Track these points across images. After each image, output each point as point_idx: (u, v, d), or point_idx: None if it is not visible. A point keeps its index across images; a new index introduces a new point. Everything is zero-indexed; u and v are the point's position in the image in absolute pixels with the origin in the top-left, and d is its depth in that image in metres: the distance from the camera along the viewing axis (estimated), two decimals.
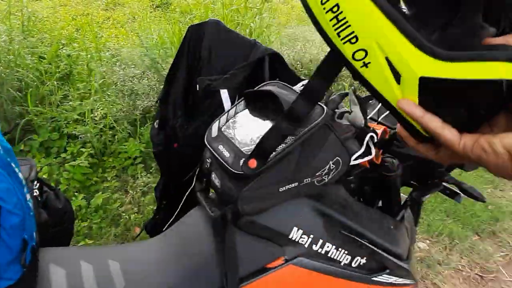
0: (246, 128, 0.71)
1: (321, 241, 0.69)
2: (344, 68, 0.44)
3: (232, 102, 0.92)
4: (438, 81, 0.34)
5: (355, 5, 0.36)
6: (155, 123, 1.05)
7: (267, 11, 3.65)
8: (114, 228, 1.78)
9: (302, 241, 0.68)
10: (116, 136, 2.18)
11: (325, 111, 0.65)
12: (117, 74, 2.39)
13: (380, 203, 0.91)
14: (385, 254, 0.75)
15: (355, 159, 0.71)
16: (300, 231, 0.67)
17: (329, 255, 0.70)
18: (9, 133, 2.00)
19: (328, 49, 0.41)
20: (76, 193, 1.86)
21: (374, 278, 0.75)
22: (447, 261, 1.87)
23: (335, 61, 0.43)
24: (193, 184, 0.88)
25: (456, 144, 0.36)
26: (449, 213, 2.19)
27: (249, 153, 0.64)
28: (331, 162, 0.67)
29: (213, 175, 0.70)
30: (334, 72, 0.46)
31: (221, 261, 0.65)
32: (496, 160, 0.34)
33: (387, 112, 0.94)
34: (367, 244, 0.72)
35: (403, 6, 0.36)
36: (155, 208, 1.24)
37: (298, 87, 0.84)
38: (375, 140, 0.74)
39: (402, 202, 0.87)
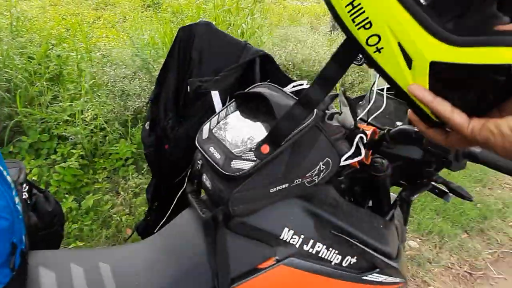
0: (237, 129, 0.71)
1: (312, 241, 0.70)
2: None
3: (223, 104, 0.92)
4: (448, 66, 0.36)
5: None
6: (146, 125, 1.05)
7: (259, 12, 3.66)
8: (105, 230, 1.77)
9: (293, 241, 0.68)
10: (107, 137, 2.16)
11: (315, 112, 0.66)
12: (108, 74, 2.37)
13: (370, 203, 0.92)
14: (375, 253, 0.76)
15: (345, 159, 0.72)
16: (291, 232, 0.68)
17: (320, 255, 0.71)
18: None
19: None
20: (66, 195, 1.84)
21: (364, 277, 0.76)
22: (437, 259, 1.90)
23: (350, 48, 0.45)
24: (184, 186, 0.88)
25: (465, 128, 0.37)
26: (439, 212, 2.22)
27: (240, 154, 0.65)
28: (321, 163, 0.67)
29: (204, 177, 0.71)
30: (349, 59, 0.47)
31: (213, 262, 0.65)
32: (502, 141, 0.35)
33: (377, 113, 0.95)
34: (357, 243, 0.73)
35: None
36: (146, 209, 1.23)
37: (289, 89, 0.84)
38: (365, 141, 0.75)
39: (391, 202, 0.88)
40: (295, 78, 3.15)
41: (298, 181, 0.66)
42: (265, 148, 0.61)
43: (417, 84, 0.39)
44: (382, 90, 0.99)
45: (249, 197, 0.63)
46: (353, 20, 0.39)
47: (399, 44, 0.38)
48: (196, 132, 0.76)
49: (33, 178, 1.84)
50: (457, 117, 0.37)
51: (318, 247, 0.70)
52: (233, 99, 0.79)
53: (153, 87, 1.08)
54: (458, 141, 0.41)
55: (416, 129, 0.70)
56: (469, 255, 1.95)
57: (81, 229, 1.74)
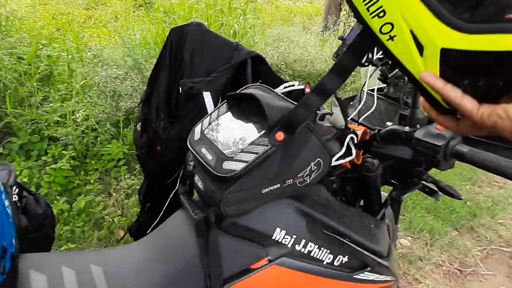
0: (228, 130, 0.71)
1: (304, 241, 0.70)
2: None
3: (215, 105, 0.93)
4: (458, 53, 0.37)
5: None
6: (137, 126, 1.05)
7: (252, 12, 3.66)
8: (97, 231, 1.76)
9: (285, 241, 0.69)
10: (98, 138, 2.15)
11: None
12: (99, 75, 2.35)
13: (362, 202, 0.93)
14: (366, 252, 0.76)
15: (336, 160, 0.73)
16: (283, 232, 0.68)
17: (312, 254, 0.71)
18: None
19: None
20: (57, 197, 1.83)
21: (356, 276, 0.77)
22: (428, 256, 1.92)
23: (365, 38, 0.47)
24: (176, 187, 0.88)
25: (475, 114, 0.38)
26: (430, 210, 2.25)
27: (232, 155, 0.65)
28: (312, 164, 0.68)
29: (196, 178, 0.71)
30: (364, 48, 0.50)
31: (205, 263, 0.65)
32: (510, 125, 0.36)
33: (368, 113, 0.96)
34: (349, 243, 0.74)
35: None
36: (139, 210, 1.23)
37: (281, 89, 0.85)
38: (356, 141, 0.76)
39: (383, 201, 0.89)
40: (287, 78, 3.17)
41: (290, 181, 0.67)
42: (280, 135, 0.62)
43: (428, 71, 0.40)
44: (372, 90, 1.00)
45: (241, 198, 0.64)
46: (367, 9, 0.41)
47: (411, 32, 0.39)
48: (188, 133, 0.76)
49: (24, 179, 1.81)
50: (467, 103, 0.39)
51: (310, 246, 0.71)
52: (225, 100, 0.79)
53: (145, 88, 1.07)
54: (468, 128, 0.42)
55: (405, 129, 0.71)
56: (459, 252, 1.98)
57: (73, 231, 1.72)
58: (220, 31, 3.11)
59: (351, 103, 1.00)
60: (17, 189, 0.78)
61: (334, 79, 0.54)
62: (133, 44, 2.68)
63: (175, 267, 0.67)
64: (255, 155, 0.62)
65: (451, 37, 0.37)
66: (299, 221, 0.71)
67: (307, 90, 0.84)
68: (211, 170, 0.64)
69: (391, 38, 0.41)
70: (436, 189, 0.85)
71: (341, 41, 1.01)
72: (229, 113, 0.76)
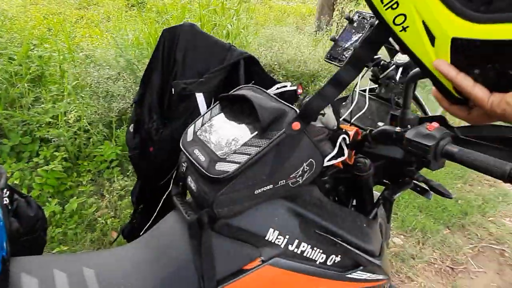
0: (221, 132, 0.71)
1: (297, 241, 0.71)
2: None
3: (208, 106, 0.93)
4: (468, 42, 0.38)
5: None
6: (130, 127, 1.04)
7: (245, 12, 3.66)
8: (90, 233, 1.75)
9: (278, 241, 0.69)
10: (91, 139, 2.13)
11: (298, 114, 0.67)
12: (92, 75, 2.33)
13: (354, 202, 0.93)
14: (358, 252, 0.77)
15: (329, 160, 0.73)
16: (276, 232, 0.69)
17: (305, 254, 0.72)
18: None
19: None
20: (49, 199, 1.81)
21: (349, 275, 0.77)
22: (420, 254, 1.94)
23: (380, 32, 0.49)
24: (169, 188, 0.88)
25: (485, 101, 0.40)
26: (422, 209, 2.27)
27: (224, 156, 0.65)
28: (305, 164, 0.68)
29: (189, 179, 0.71)
30: (379, 41, 0.51)
31: (198, 264, 0.65)
32: None
33: (360, 113, 0.97)
34: (341, 242, 0.74)
35: None
36: (132, 212, 1.22)
37: (273, 90, 0.85)
38: (348, 142, 0.76)
39: (375, 201, 0.90)
40: (280, 78, 3.17)
41: (283, 182, 0.67)
42: (297, 125, 0.64)
43: (442, 59, 0.41)
44: (364, 91, 1.01)
45: (234, 199, 0.64)
46: (381, 1, 0.43)
47: (423, 23, 0.40)
48: (180, 135, 0.76)
49: (15, 182, 1.79)
50: (478, 91, 0.40)
51: (303, 246, 0.71)
52: (218, 101, 0.79)
53: (137, 88, 1.07)
54: (480, 117, 0.43)
55: (396, 130, 0.71)
56: (451, 250, 2.01)
57: (65, 233, 1.71)
58: (213, 32, 3.10)
59: (343, 103, 1.01)
60: (8, 192, 0.77)
61: (350, 71, 0.56)
62: (125, 44, 2.67)
63: (168, 269, 0.67)
64: (248, 156, 0.63)
65: (462, 27, 0.38)
66: (292, 221, 0.71)
67: (300, 91, 0.85)
68: (204, 171, 0.64)
69: (404, 29, 0.42)
70: (427, 188, 0.86)
71: (333, 42, 1.02)
72: (222, 114, 0.76)
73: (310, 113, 0.64)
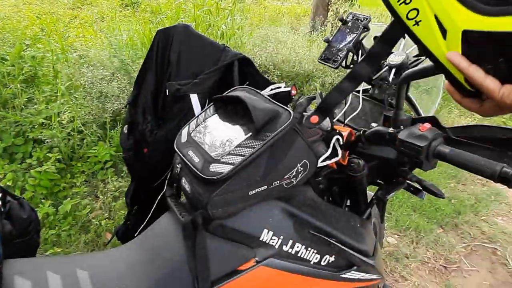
0: (215, 133, 0.72)
1: (291, 241, 0.71)
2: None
3: (202, 107, 0.93)
4: (478, 34, 0.39)
5: None
6: (124, 128, 1.04)
7: (239, 12, 3.66)
8: (84, 235, 1.74)
9: (273, 242, 0.70)
10: (84, 140, 2.12)
11: (292, 115, 0.67)
12: (85, 76, 2.32)
13: (348, 202, 0.94)
14: (352, 252, 0.78)
15: (322, 161, 0.74)
16: (271, 233, 0.69)
17: (299, 254, 0.72)
18: None
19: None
20: (43, 200, 1.79)
21: (343, 275, 0.78)
22: (414, 254, 1.96)
23: (395, 28, 0.51)
24: (164, 189, 0.88)
25: (496, 93, 0.41)
26: (416, 208, 2.29)
27: (218, 157, 0.65)
28: (299, 165, 0.69)
29: (183, 180, 0.71)
30: (395, 37, 0.53)
31: (192, 265, 0.65)
32: None
33: (353, 114, 0.97)
34: (335, 242, 0.75)
35: None
36: (126, 213, 1.22)
37: (267, 91, 0.86)
38: (341, 142, 0.77)
39: (369, 201, 0.91)
40: (275, 79, 3.17)
41: (277, 183, 0.67)
42: (315, 119, 0.67)
43: (454, 51, 0.42)
44: (358, 92, 1.01)
45: (228, 200, 0.64)
46: None
47: (435, 16, 0.42)
48: (175, 136, 0.76)
49: (8, 183, 1.78)
50: (489, 82, 0.41)
51: (297, 247, 0.72)
52: (212, 103, 0.79)
53: (132, 89, 1.07)
54: (491, 109, 0.45)
55: (389, 131, 0.72)
56: (444, 249, 2.03)
57: (59, 235, 1.70)
58: (207, 32, 3.10)
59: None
60: (0, 194, 0.77)
61: (366, 67, 0.58)
62: (119, 44, 2.65)
63: (162, 270, 0.67)
64: (242, 157, 0.63)
65: (472, 19, 0.39)
66: (286, 222, 0.71)
67: (293, 92, 0.85)
68: (198, 172, 0.64)
69: (417, 23, 0.44)
70: (420, 188, 0.87)
71: (327, 44, 1.02)
72: (216, 116, 0.76)
73: (328, 106, 0.66)
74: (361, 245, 0.80)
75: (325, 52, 1.02)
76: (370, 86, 1.01)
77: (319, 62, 1.03)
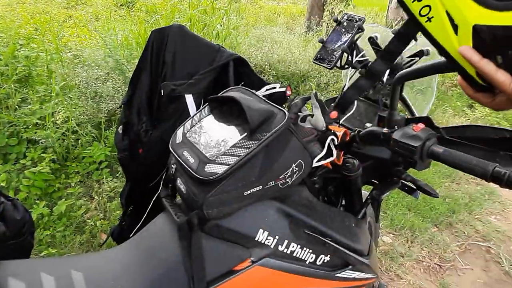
0: (210, 133, 0.71)
1: (286, 241, 0.71)
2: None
3: (197, 107, 0.93)
4: (489, 29, 0.41)
5: None
6: (119, 128, 1.04)
7: (235, 12, 3.66)
8: (79, 235, 1.73)
9: (268, 242, 0.70)
10: (79, 140, 2.11)
11: (287, 116, 0.67)
12: (80, 76, 2.31)
13: (343, 202, 0.94)
14: (347, 251, 0.78)
15: (317, 161, 0.74)
16: (266, 233, 0.69)
17: (294, 254, 0.72)
18: None
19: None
20: (37, 201, 1.78)
21: (338, 274, 0.78)
22: (409, 252, 1.97)
23: (410, 25, 0.52)
24: (159, 190, 0.88)
25: (507, 85, 0.42)
26: (410, 207, 2.30)
27: (214, 158, 0.65)
28: (294, 165, 0.69)
29: (178, 181, 0.71)
30: (410, 35, 0.55)
31: (188, 266, 0.65)
32: None
33: (348, 114, 0.98)
34: (330, 242, 0.75)
35: None
36: (121, 214, 1.22)
37: (262, 92, 0.86)
38: (336, 142, 0.77)
39: (363, 200, 0.91)
40: (271, 79, 3.17)
41: (272, 183, 0.67)
42: (334, 114, 0.71)
43: (466, 46, 0.44)
44: None
45: (224, 200, 0.64)
46: None
47: (447, 12, 0.43)
48: (170, 136, 0.76)
49: (1, 184, 1.77)
50: (500, 76, 0.42)
51: (293, 247, 0.72)
52: (207, 103, 0.79)
53: (127, 89, 1.06)
54: (503, 103, 0.46)
55: (384, 131, 0.73)
56: (439, 248, 2.04)
57: (54, 236, 1.69)
58: (203, 32, 3.09)
59: (332, 104, 1.02)
60: None
61: (382, 64, 0.61)
62: (114, 44, 2.64)
63: (158, 271, 0.67)
64: (237, 158, 0.63)
65: (482, 14, 0.40)
66: (281, 222, 0.71)
67: (289, 92, 0.85)
68: (193, 173, 0.64)
69: (429, 19, 0.45)
70: (415, 187, 0.88)
71: (321, 44, 1.03)
72: (211, 116, 0.76)
73: (346, 103, 0.68)
74: (356, 245, 0.80)
75: (320, 52, 1.02)
76: None
77: (313, 62, 1.03)
